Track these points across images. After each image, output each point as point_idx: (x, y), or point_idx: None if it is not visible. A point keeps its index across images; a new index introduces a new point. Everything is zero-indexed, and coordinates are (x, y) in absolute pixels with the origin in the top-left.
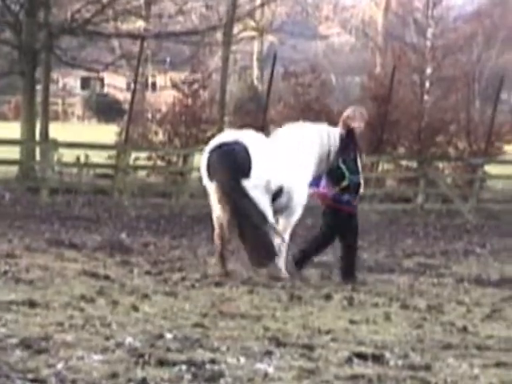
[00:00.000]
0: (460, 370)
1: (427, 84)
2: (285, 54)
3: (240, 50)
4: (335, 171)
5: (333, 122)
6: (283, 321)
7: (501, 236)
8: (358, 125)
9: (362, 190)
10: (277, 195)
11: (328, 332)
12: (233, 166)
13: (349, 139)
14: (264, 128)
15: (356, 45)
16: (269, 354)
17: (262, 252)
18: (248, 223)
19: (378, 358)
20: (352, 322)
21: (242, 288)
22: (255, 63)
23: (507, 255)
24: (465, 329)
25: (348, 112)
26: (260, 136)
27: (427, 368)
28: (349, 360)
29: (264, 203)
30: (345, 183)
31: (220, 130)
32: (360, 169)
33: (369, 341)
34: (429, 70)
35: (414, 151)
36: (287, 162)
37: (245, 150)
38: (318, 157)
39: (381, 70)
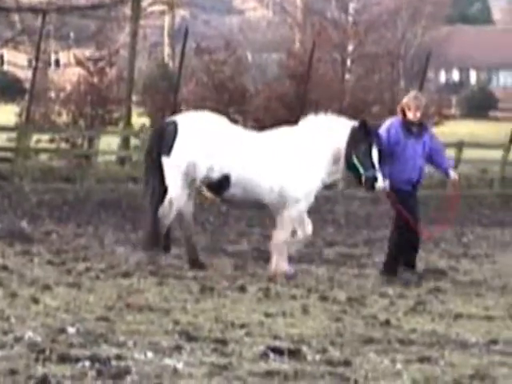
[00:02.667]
0: (382, 365)
1: (349, 62)
2: (197, 30)
3: (150, 24)
4: (352, 168)
5: (248, 102)
6: (194, 314)
7: (426, 224)
8: (412, 115)
9: (380, 185)
10: (222, 185)
11: (242, 326)
12: (155, 141)
13: (361, 132)
14: (175, 107)
15: (273, 20)
16: (178, 349)
17: (145, 235)
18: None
19: (294, 353)
20: (268, 314)
21: (150, 279)
22: (166, 39)
23: (433, 245)
24: (387, 322)
25: (405, 100)
26: (215, 120)
27: (347, 363)
28: (264, 355)
29: (175, 185)
30: (363, 179)
31: (128, 110)
32: (376, 163)
33: (285, 335)
34: (351, 47)
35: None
36: (255, 154)
37: (174, 129)
38: (325, 154)
39: (300, 46)
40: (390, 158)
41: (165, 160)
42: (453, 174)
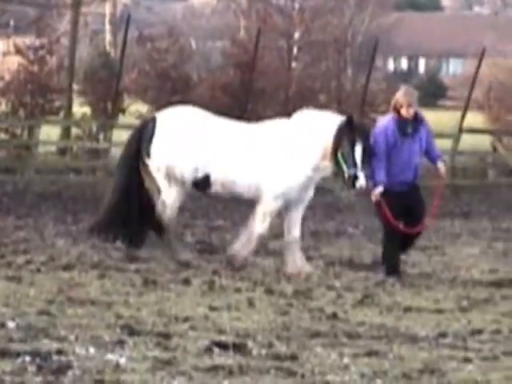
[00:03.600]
0: (329, 359)
1: (295, 49)
2: (140, 17)
3: (91, 12)
4: (337, 164)
5: (191, 91)
6: (137, 307)
7: (374, 215)
8: (405, 112)
9: (361, 184)
10: (205, 184)
11: (186, 319)
12: (134, 140)
13: (347, 128)
14: (117, 96)
15: (218, 7)
16: (121, 343)
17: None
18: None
19: (239, 348)
20: (212, 308)
21: (91, 272)
22: (107, 27)
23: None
24: (334, 315)
25: (396, 96)
26: (196, 116)
27: (293, 358)
28: (208, 349)
29: (164, 187)
30: (345, 177)
31: (69, 99)
32: (359, 161)
33: (230, 329)
34: (297, 35)
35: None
36: (234, 150)
37: (152, 129)
38: (312, 149)
39: (245, 34)
40: (388, 160)
41: (148, 161)
42: (441, 165)
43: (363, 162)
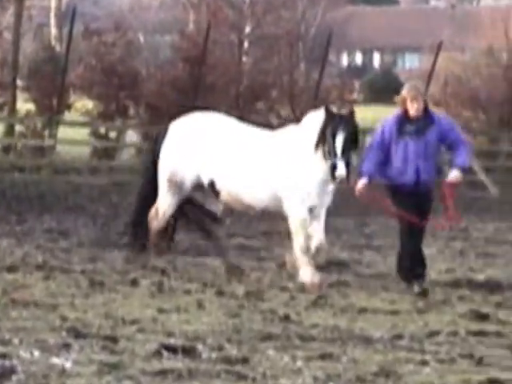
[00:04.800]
0: (281, 362)
1: (246, 43)
2: (86, 10)
3: (35, 5)
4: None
5: (139, 86)
6: (83, 309)
7: (328, 215)
8: (410, 108)
9: (340, 174)
10: (212, 191)
11: (134, 322)
12: (153, 144)
13: (326, 119)
14: (63, 92)
15: (166, 0)
16: (66, 346)
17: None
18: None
19: (189, 351)
20: (161, 310)
21: (36, 273)
22: (52, 20)
23: (335, 236)
24: (287, 317)
25: (402, 91)
26: (213, 123)
27: (244, 361)
28: (157, 353)
29: (162, 191)
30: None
31: (13, 95)
32: (338, 150)
33: (179, 331)
34: (248, 28)
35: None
36: (244, 162)
37: (164, 134)
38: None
39: (194, 27)
40: (386, 158)
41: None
42: (455, 175)
43: (344, 151)
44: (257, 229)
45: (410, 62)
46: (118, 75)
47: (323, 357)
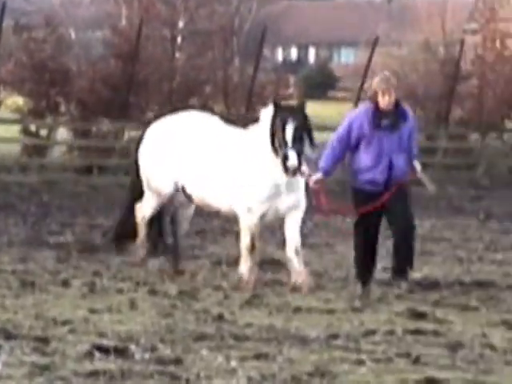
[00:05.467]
0: (215, 362)
1: (179, 39)
2: (15, 5)
3: None
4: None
5: (70, 83)
6: (13, 310)
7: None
8: (381, 101)
9: (292, 164)
10: (186, 196)
11: (65, 322)
12: (135, 149)
13: (275, 112)
14: None
15: None
16: None
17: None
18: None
19: (121, 351)
20: (93, 310)
21: None
22: None
23: (269, 234)
24: (221, 317)
25: (373, 84)
26: (189, 123)
27: (178, 361)
28: (89, 354)
29: (144, 200)
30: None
31: None
32: (289, 140)
33: (111, 332)
34: (181, 23)
35: (164, 116)
36: (210, 164)
37: (142, 137)
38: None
39: (126, 23)
40: (353, 154)
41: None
42: (417, 164)
43: (295, 141)
44: (190, 227)
45: (346, 57)
46: (48, 71)
47: (258, 357)
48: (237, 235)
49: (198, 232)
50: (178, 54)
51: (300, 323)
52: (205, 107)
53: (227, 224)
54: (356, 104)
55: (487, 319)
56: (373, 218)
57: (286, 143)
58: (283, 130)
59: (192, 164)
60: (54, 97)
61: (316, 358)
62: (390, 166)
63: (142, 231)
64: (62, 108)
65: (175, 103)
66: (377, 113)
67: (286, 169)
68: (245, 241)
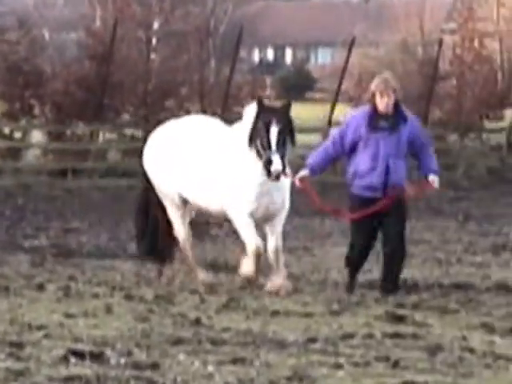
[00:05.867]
0: (192, 367)
1: (154, 40)
2: None
3: None
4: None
5: (44, 85)
6: None
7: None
8: (379, 104)
9: (276, 168)
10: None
11: (40, 327)
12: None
13: (257, 113)
14: None
15: None
16: None
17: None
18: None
19: (97, 356)
20: (68, 315)
21: None
22: None
23: None
24: (198, 321)
25: (371, 85)
26: (189, 128)
27: (154, 366)
28: (64, 359)
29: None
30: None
31: None
32: (273, 143)
33: (87, 337)
34: (156, 25)
35: (140, 118)
36: (204, 168)
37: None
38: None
39: (101, 24)
40: (350, 158)
41: None
42: (433, 179)
43: (279, 145)
44: None
45: (323, 58)
46: (22, 74)
47: (235, 361)
48: (213, 238)
49: (174, 236)
50: (153, 56)
51: (278, 327)
52: (181, 108)
53: (205, 226)
54: (334, 105)
55: (466, 322)
56: (371, 223)
57: (269, 146)
58: (267, 132)
59: (186, 168)
60: (28, 99)
61: (294, 362)
62: (387, 171)
63: (188, 255)
64: (36, 110)
65: (150, 105)
66: (374, 115)
67: (268, 173)
68: (248, 242)
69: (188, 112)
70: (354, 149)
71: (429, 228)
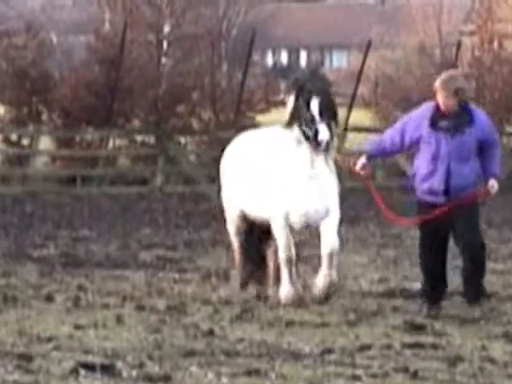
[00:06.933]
0: (205, 379)
1: (165, 44)
2: None
3: None
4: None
5: (52, 90)
6: None
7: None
8: (441, 103)
9: (323, 138)
10: None
11: (49, 339)
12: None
13: (296, 91)
14: None
15: None
16: None
17: None
18: None
19: (108, 369)
20: (77, 326)
21: None
22: None
23: None
24: (211, 332)
25: (436, 82)
26: (255, 140)
27: (166, 379)
28: (74, 371)
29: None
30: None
31: None
32: (316, 114)
33: (97, 348)
34: (167, 28)
35: (150, 124)
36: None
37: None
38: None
39: (110, 27)
40: (413, 159)
41: None
42: (493, 184)
43: (323, 115)
44: (178, 239)
45: (339, 61)
46: (30, 79)
47: (249, 373)
48: (227, 247)
49: (186, 244)
50: (163, 60)
51: (293, 338)
52: (193, 113)
53: (217, 235)
54: (350, 109)
55: (487, 331)
56: (437, 232)
57: (312, 118)
58: (308, 107)
59: (242, 179)
60: (35, 105)
61: (310, 373)
62: (448, 174)
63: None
64: (45, 116)
65: (161, 110)
66: (436, 113)
67: (317, 144)
68: (280, 249)
69: (200, 117)
70: (412, 148)
71: None
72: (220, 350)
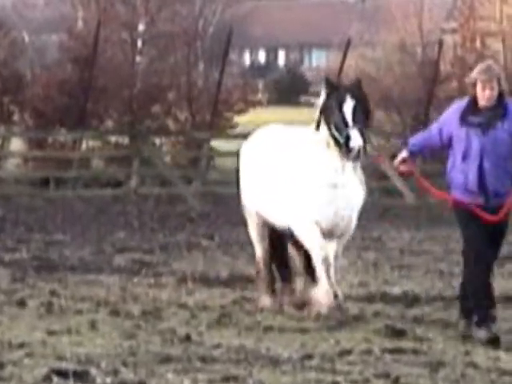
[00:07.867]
0: None
1: (140, 42)
2: None
3: None
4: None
5: (24, 90)
6: None
7: (231, 225)
8: (480, 95)
9: (355, 144)
10: None
11: (21, 345)
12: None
13: (328, 93)
14: None
15: None
16: None
17: None
18: None
19: (81, 375)
20: (50, 332)
21: None
22: None
23: (239, 248)
24: (187, 338)
25: (472, 73)
26: (268, 140)
27: None
28: (47, 378)
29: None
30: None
31: None
32: (349, 119)
33: (71, 355)
34: (141, 26)
35: (124, 124)
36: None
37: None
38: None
39: (83, 25)
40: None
41: None
42: None
43: (355, 120)
44: (153, 242)
45: (318, 60)
46: (1, 78)
47: (227, 379)
48: (204, 249)
49: (161, 247)
50: (138, 59)
51: (271, 343)
52: (168, 114)
53: (192, 238)
54: None
55: (470, 336)
56: (483, 240)
57: (345, 123)
58: (340, 109)
59: (260, 181)
60: (6, 105)
61: (289, 379)
62: (481, 173)
63: (261, 274)
64: (16, 117)
65: (136, 110)
66: (470, 107)
67: (348, 150)
68: (314, 252)
69: (176, 118)
70: (450, 145)
71: (430, 238)
72: (197, 356)
